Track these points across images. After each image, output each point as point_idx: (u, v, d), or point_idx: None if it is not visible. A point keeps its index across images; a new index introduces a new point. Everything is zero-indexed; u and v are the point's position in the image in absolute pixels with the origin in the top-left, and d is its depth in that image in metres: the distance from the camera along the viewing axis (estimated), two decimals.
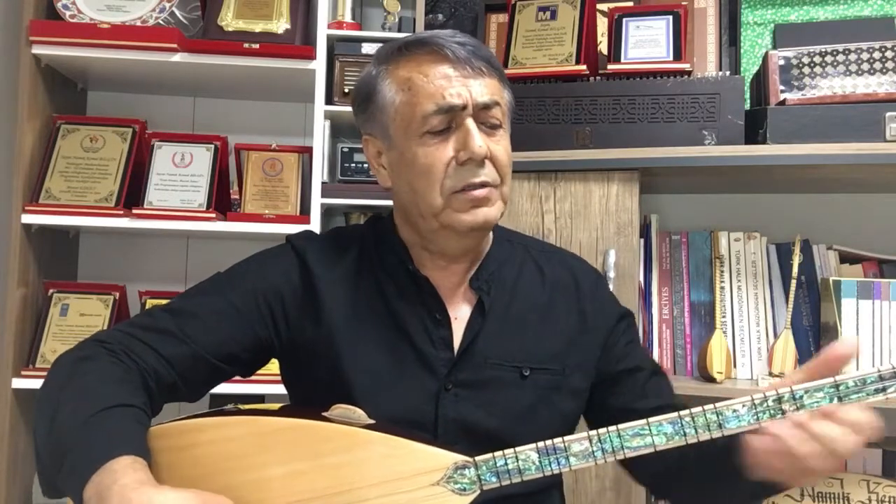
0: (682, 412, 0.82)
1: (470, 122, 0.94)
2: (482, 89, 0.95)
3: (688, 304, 1.68)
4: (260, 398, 1.69)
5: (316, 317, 1.00)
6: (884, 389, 0.78)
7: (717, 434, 0.81)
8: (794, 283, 1.58)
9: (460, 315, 1.02)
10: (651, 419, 0.83)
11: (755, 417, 0.80)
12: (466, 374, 0.99)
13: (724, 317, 1.63)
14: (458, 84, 0.94)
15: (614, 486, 1.48)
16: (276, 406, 0.98)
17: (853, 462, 1.53)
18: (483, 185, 0.95)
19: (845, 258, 1.64)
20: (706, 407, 0.82)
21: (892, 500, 1.45)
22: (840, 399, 0.78)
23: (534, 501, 1.01)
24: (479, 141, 0.94)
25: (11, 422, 1.65)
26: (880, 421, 0.79)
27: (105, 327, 1.75)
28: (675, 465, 0.95)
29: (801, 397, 0.79)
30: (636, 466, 1.02)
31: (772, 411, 0.80)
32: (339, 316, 1.00)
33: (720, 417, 0.81)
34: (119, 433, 0.80)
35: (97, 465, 0.75)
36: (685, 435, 0.82)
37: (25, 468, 1.73)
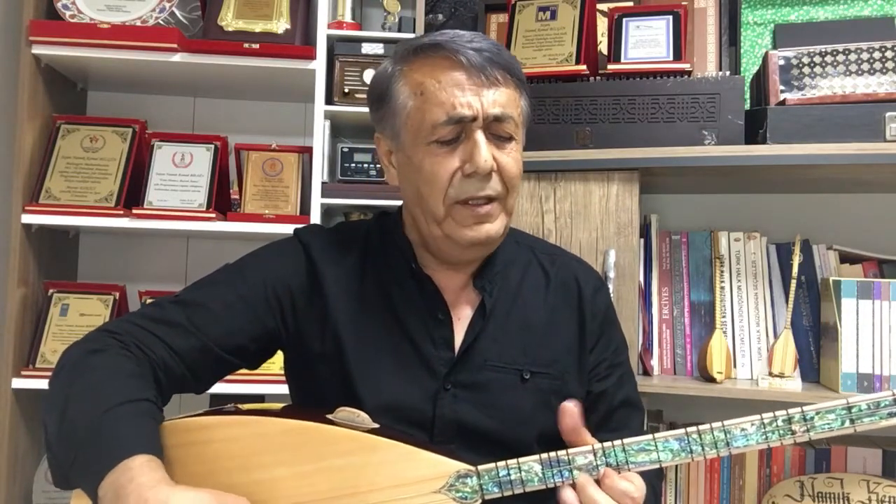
0: (690, 429, 0.80)
1: (479, 135, 0.93)
2: (495, 100, 0.93)
3: (688, 304, 1.67)
4: (260, 398, 1.68)
5: (320, 311, 1.00)
6: None
7: (724, 453, 0.79)
8: (794, 283, 1.58)
9: (464, 315, 1.01)
10: (657, 434, 0.81)
11: (763, 437, 0.78)
12: (466, 374, 0.98)
13: (724, 317, 1.63)
14: (470, 94, 0.92)
15: None
16: (277, 406, 0.98)
17: (853, 462, 1.53)
18: (488, 199, 0.94)
19: (845, 258, 1.64)
20: (714, 425, 0.80)
21: (892, 500, 1.45)
22: (852, 422, 0.76)
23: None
24: (485, 154, 0.92)
25: (11, 422, 1.65)
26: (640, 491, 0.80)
27: None
28: None
29: (812, 418, 0.77)
30: None
31: (781, 431, 0.78)
32: (342, 311, 1.00)
33: (728, 436, 0.79)
34: (134, 431, 0.80)
35: (113, 463, 0.76)
36: (691, 452, 0.80)
37: (25, 468, 1.73)
